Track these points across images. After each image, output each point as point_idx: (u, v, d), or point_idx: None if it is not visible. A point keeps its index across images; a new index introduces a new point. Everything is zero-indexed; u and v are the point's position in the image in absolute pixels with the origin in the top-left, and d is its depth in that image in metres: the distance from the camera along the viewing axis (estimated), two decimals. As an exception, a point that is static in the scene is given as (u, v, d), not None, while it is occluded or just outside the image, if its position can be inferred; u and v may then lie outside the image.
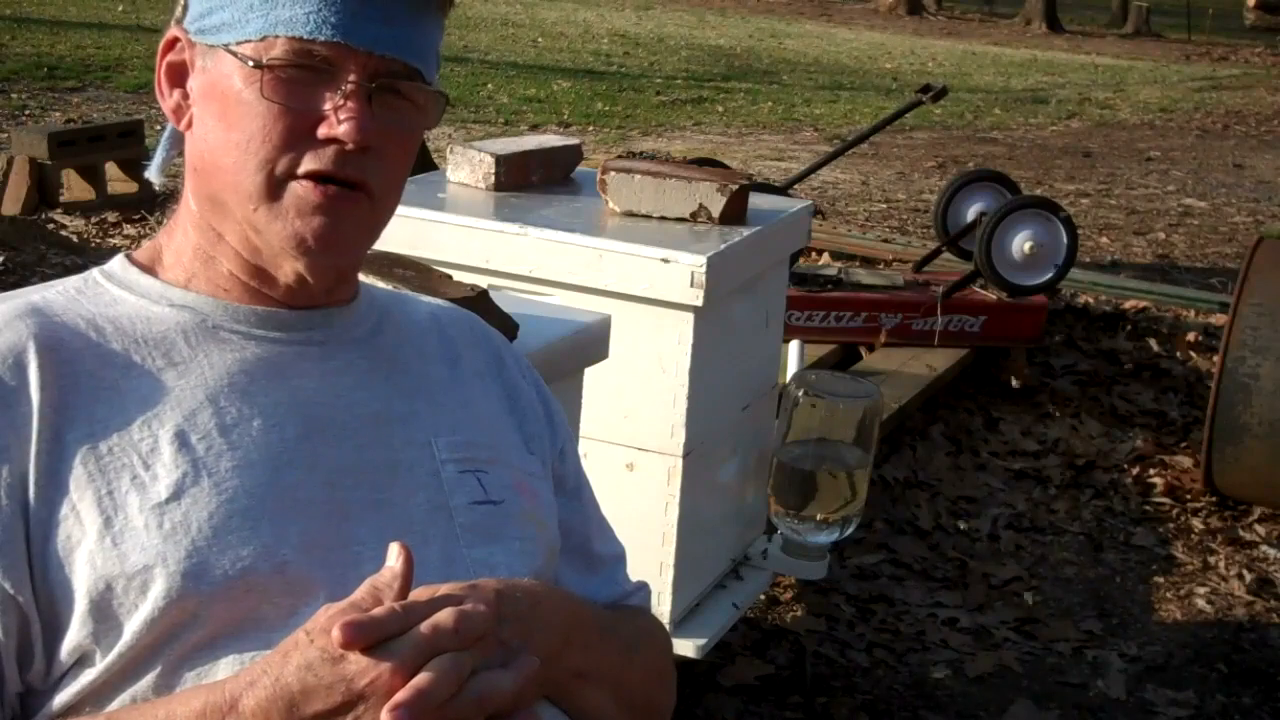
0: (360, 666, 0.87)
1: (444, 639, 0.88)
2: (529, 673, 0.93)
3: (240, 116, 1.02)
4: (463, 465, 1.10)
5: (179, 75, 1.09)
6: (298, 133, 1.02)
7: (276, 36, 1.01)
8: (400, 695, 0.85)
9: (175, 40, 1.09)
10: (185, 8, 1.08)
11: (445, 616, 0.89)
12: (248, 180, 1.03)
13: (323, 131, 1.02)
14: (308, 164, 1.02)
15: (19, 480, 0.96)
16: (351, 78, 1.02)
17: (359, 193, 1.04)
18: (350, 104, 1.02)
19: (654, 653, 1.21)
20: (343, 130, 1.01)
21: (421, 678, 0.86)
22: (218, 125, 1.04)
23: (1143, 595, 3.39)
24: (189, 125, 1.08)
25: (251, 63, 1.01)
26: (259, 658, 0.91)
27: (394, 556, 0.93)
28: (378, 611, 0.88)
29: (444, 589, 0.94)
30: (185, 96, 1.08)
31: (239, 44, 1.02)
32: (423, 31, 1.06)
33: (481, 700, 0.89)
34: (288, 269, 1.07)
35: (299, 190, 1.03)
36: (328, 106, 1.02)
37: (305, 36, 1.01)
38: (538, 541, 1.12)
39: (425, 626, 0.88)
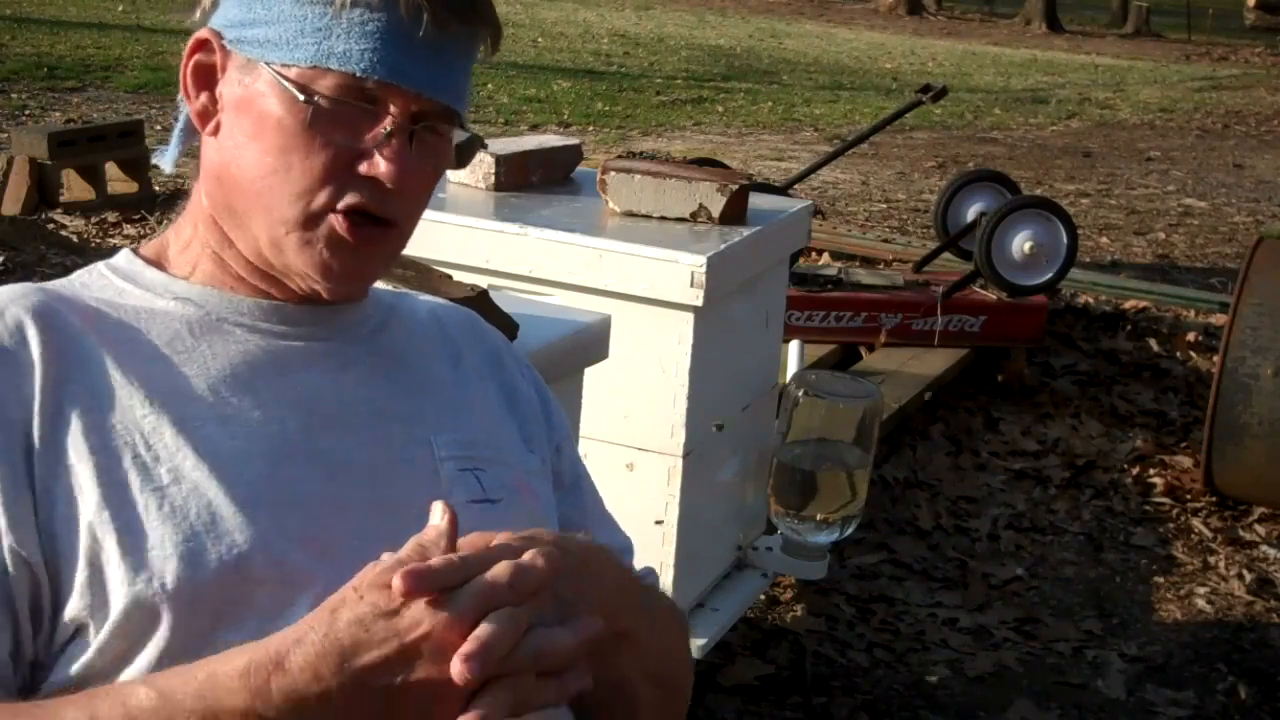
0: (413, 619, 0.86)
1: (501, 593, 0.87)
2: (590, 635, 0.91)
3: (278, 143, 1.01)
4: (462, 463, 1.10)
5: (207, 78, 1.07)
6: (338, 167, 1.02)
7: (328, 69, 1.00)
8: (467, 646, 0.84)
9: (205, 41, 1.07)
10: (215, 3, 1.07)
11: (502, 570, 0.88)
12: (283, 208, 1.03)
13: (363, 168, 1.02)
14: (347, 200, 1.02)
15: (24, 450, 0.96)
16: (396, 117, 1.02)
17: (388, 228, 1.06)
18: (395, 142, 1.02)
19: (678, 629, 1.21)
20: (385, 171, 1.01)
21: (483, 629, 0.85)
22: (251, 144, 1.03)
23: (1143, 595, 3.39)
24: (215, 132, 1.07)
25: (301, 95, 1.00)
26: (253, 644, 0.90)
27: (438, 514, 0.93)
28: (436, 561, 0.87)
29: (500, 538, 0.92)
30: (213, 101, 1.07)
31: (284, 67, 1.01)
32: (465, 73, 1.06)
33: (539, 657, 0.88)
34: (302, 285, 1.07)
35: (335, 225, 1.03)
36: (368, 140, 1.02)
37: (358, 74, 1.00)
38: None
39: (482, 580, 0.87)
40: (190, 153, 1.15)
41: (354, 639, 0.86)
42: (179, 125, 1.15)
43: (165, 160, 1.18)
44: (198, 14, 1.09)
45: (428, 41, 1.01)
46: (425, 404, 1.12)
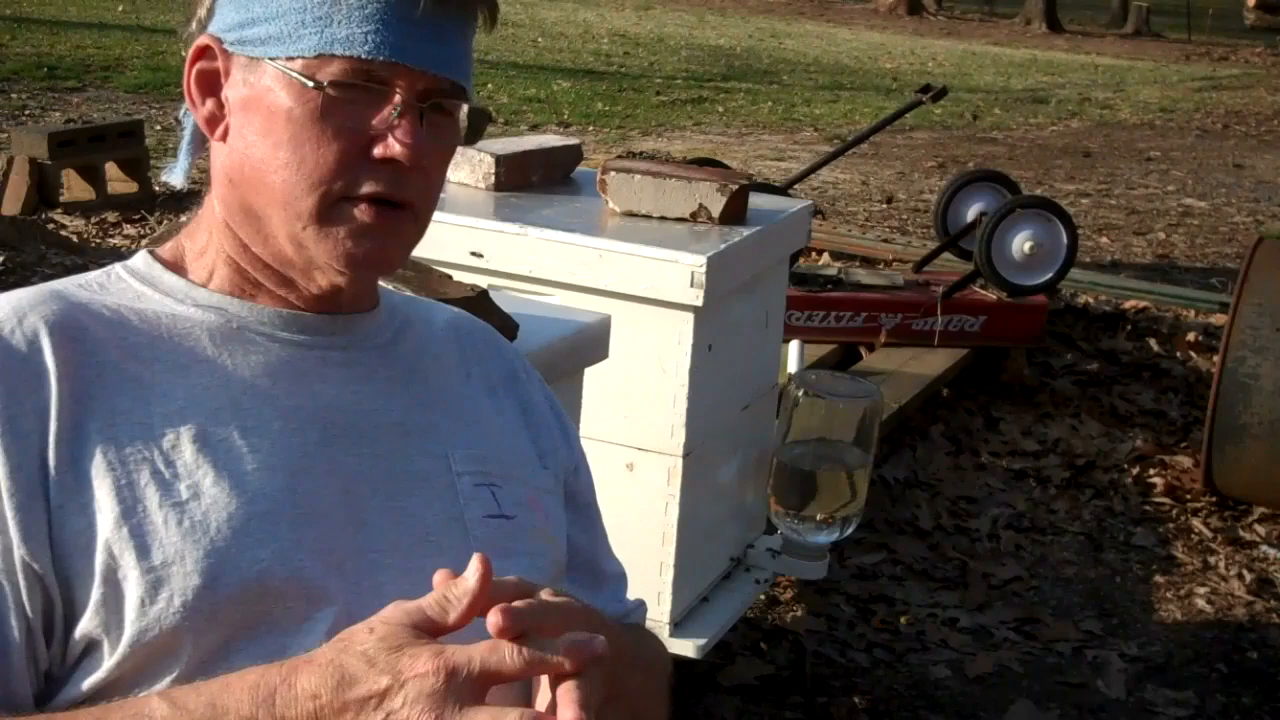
0: (412, 659, 0.86)
1: (555, 663, 0.88)
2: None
3: (290, 135, 1.01)
4: (478, 479, 1.10)
5: (211, 84, 1.07)
6: (352, 153, 1.02)
7: (333, 55, 1.00)
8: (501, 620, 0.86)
9: (206, 48, 1.07)
10: (211, 12, 1.07)
11: (574, 650, 0.88)
12: (299, 201, 1.02)
13: (379, 152, 1.02)
14: (366, 187, 1.02)
15: (39, 465, 0.96)
16: (404, 97, 1.02)
17: (406, 211, 1.05)
18: (406, 123, 1.02)
19: (660, 674, 1.22)
20: (399, 151, 1.01)
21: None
22: (262, 141, 1.03)
23: (1143, 595, 3.39)
24: (224, 136, 1.06)
25: (311, 83, 1.00)
26: (273, 661, 0.91)
27: (472, 571, 0.91)
28: (523, 604, 0.88)
29: (557, 601, 0.92)
30: (220, 106, 1.07)
31: (289, 60, 1.01)
32: (467, 49, 1.06)
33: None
34: (323, 280, 1.07)
35: (356, 213, 1.03)
36: (378, 124, 1.02)
37: (364, 57, 1.00)
38: (547, 557, 1.13)
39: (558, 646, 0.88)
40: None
41: (356, 670, 0.86)
42: (185, 139, 1.15)
43: (175, 175, 1.17)
44: (193, 25, 1.09)
45: (427, 19, 1.01)
46: (441, 417, 1.12)
